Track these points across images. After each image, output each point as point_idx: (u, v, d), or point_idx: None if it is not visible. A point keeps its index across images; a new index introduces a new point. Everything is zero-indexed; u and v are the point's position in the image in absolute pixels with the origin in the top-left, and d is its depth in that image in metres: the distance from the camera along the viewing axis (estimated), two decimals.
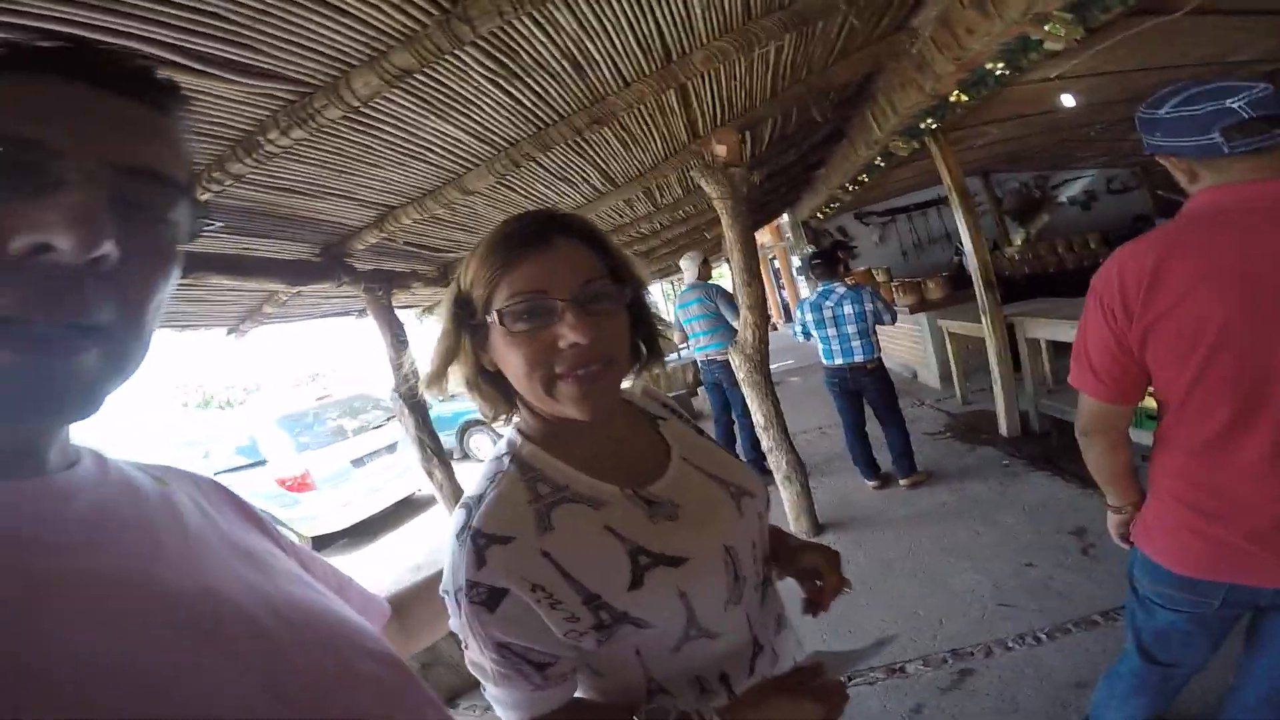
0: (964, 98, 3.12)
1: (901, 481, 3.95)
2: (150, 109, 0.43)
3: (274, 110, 1.63)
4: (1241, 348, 0.96)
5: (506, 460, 0.74)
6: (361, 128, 1.88)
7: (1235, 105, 0.96)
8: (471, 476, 0.80)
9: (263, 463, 6.09)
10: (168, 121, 0.44)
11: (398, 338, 3.55)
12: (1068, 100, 3.89)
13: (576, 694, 0.74)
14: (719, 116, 2.93)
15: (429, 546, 5.68)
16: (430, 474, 3.58)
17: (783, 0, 2.02)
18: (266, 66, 1.46)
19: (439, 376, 0.77)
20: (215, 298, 3.01)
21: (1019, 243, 7.54)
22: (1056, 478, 3.45)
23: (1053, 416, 3.92)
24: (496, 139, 2.30)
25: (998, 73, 2.66)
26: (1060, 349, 3.98)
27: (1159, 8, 2.32)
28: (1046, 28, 2.05)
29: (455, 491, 3.59)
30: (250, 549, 0.52)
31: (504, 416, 0.78)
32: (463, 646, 0.68)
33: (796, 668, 0.73)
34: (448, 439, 8.96)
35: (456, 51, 1.59)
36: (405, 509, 7.15)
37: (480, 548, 0.65)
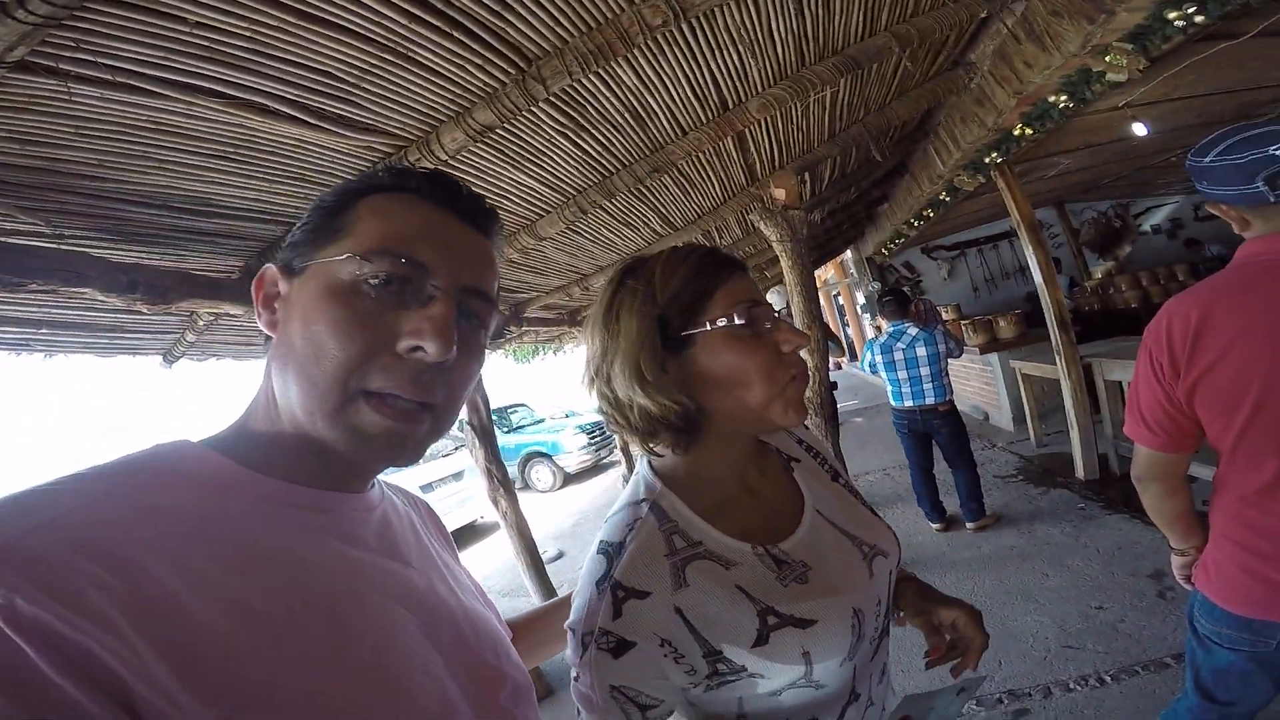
0: (1028, 131, 3.06)
1: (969, 525, 3.77)
2: (482, 235, 0.57)
3: (373, 162, 1.82)
4: None
5: (645, 508, 0.74)
6: None
7: (1279, 152, 0.93)
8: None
9: None
10: (491, 246, 0.58)
11: None
12: (1139, 129, 3.73)
13: None
14: (777, 160, 3.00)
15: (483, 573, 5.82)
16: (496, 502, 3.71)
17: (835, 45, 2.09)
18: (368, 121, 1.64)
19: (640, 373, 0.72)
20: None
21: (1100, 276, 7.09)
22: (1136, 520, 3.29)
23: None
24: (566, 187, 2.45)
25: (1061, 105, 2.60)
26: None
27: (1225, 32, 2.22)
28: (1107, 59, 2.00)
29: (518, 520, 3.71)
30: (449, 565, 0.67)
31: (661, 449, 0.76)
32: (573, 677, 0.69)
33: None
34: (509, 469, 9.05)
35: (531, 108, 1.74)
36: (468, 534, 7.38)
37: (619, 600, 0.67)
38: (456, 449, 7.43)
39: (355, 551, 0.52)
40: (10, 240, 1.55)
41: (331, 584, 0.48)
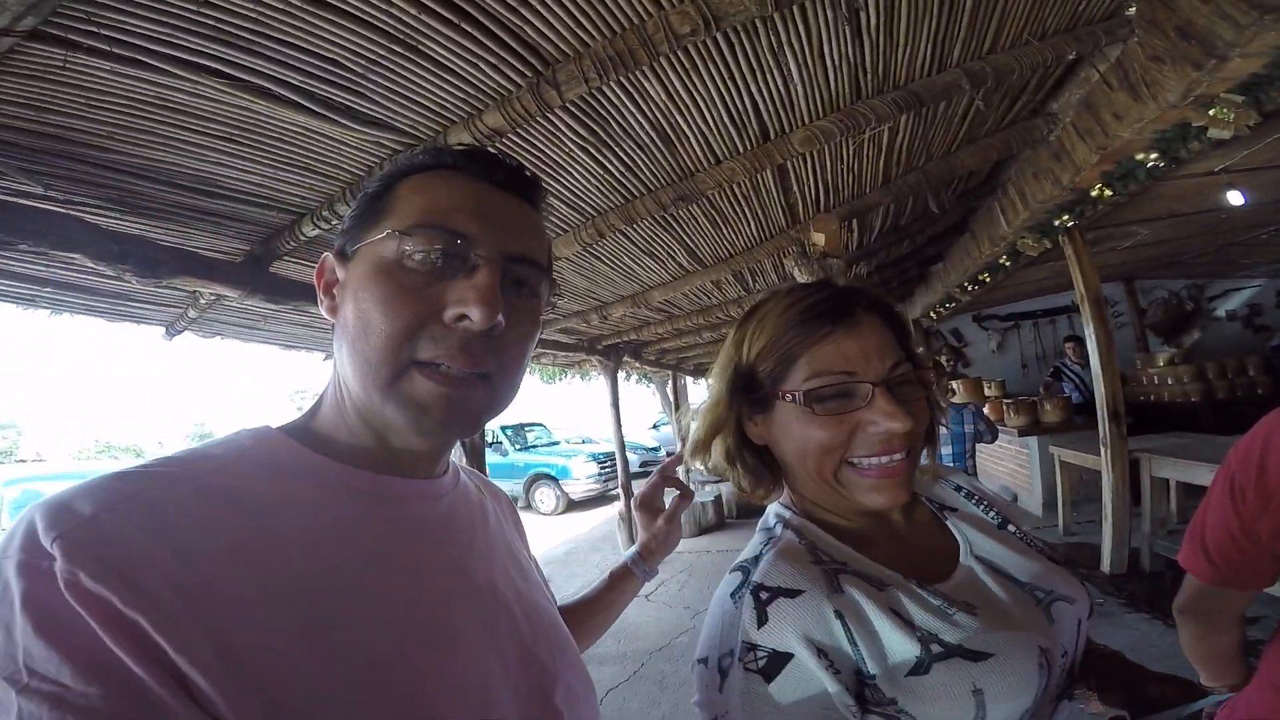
0: (1108, 192, 2.79)
1: None
2: (526, 204, 0.57)
3: (381, 159, 1.76)
4: None
5: (779, 528, 0.71)
6: None
7: None
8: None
9: None
10: (537, 214, 0.59)
11: None
12: (1235, 197, 3.43)
13: None
14: (822, 202, 2.84)
15: None
16: None
17: (897, 79, 1.93)
18: (375, 115, 1.59)
19: (705, 446, 0.77)
20: (317, 323, 3.25)
21: (1162, 364, 6.59)
22: (1157, 621, 3.07)
23: (1168, 557, 3.50)
24: (584, 207, 2.34)
25: (1149, 164, 2.35)
26: (1191, 490, 3.63)
27: None
28: (1211, 113, 1.78)
29: None
30: (518, 555, 0.69)
31: (764, 492, 0.77)
32: None
33: None
34: (515, 487, 9.66)
35: (546, 115, 1.65)
36: None
37: (763, 602, 0.59)
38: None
39: (415, 541, 0.53)
40: (8, 199, 1.58)
41: (386, 575, 0.49)
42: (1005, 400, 5.97)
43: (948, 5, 1.64)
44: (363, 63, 1.39)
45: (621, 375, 6.56)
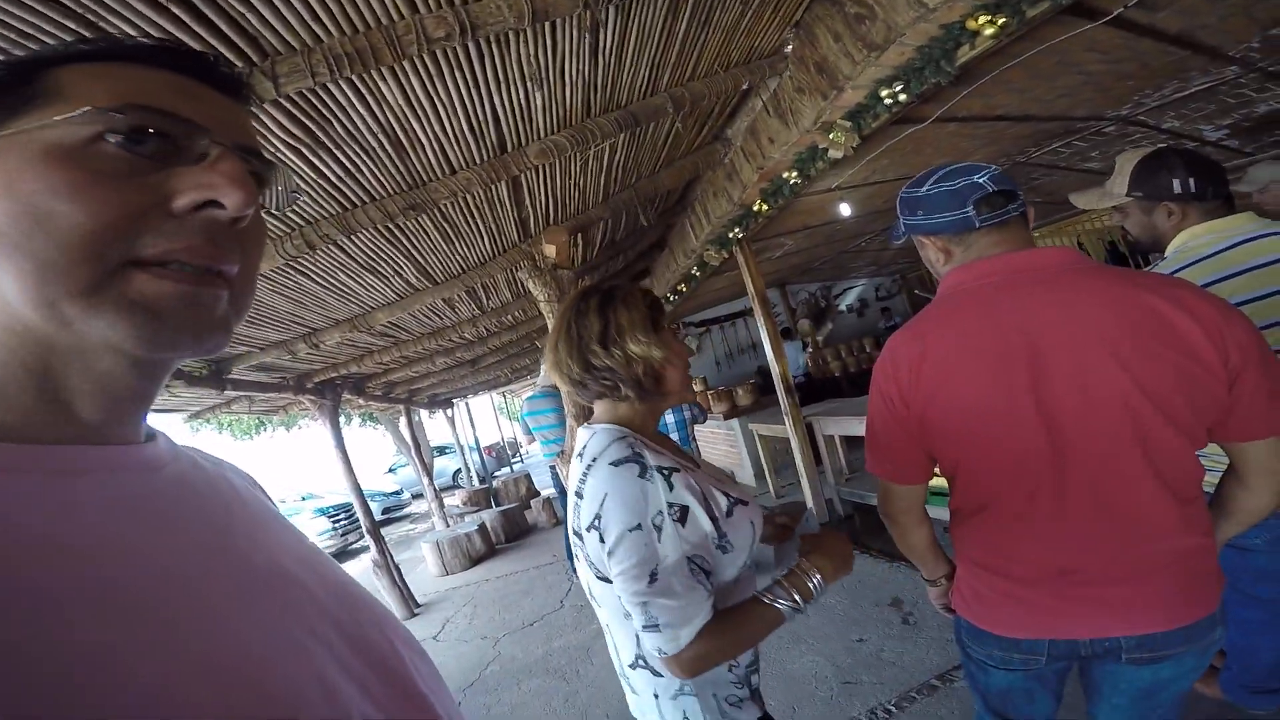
0: (765, 207, 3.49)
1: None
2: (238, 101, 0.51)
3: None
4: (995, 419, 1.06)
5: (627, 434, 1.01)
6: None
7: (981, 180, 1.14)
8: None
9: None
10: (248, 112, 0.53)
11: None
12: (844, 209, 4.60)
13: None
14: (552, 216, 3.06)
15: None
16: None
17: (620, 100, 2.23)
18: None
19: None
20: None
21: (810, 349, 8.79)
22: (865, 555, 3.87)
23: (853, 501, 4.65)
24: (291, 214, 2.13)
25: (792, 182, 3.05)
26: (852, 442, 4.81)
27: (913, 116, 2.81)
28: (831, 136, 2.38)
29: None
30: (296, 530, 0.59)
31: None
32: (647, 578, 0.89)
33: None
34: None
35: (255, 107, 1.50)
36: None
37: (667, 475, 0.94)
38: None
39: (148, 523, 0.42)
40: None
41: (126, 567, 0.38)
42: (709, 392, 7.23)
43: (665, 35, 1.95)
44: (8, 35, 1.12)
45: (342, 419, 5.92)
